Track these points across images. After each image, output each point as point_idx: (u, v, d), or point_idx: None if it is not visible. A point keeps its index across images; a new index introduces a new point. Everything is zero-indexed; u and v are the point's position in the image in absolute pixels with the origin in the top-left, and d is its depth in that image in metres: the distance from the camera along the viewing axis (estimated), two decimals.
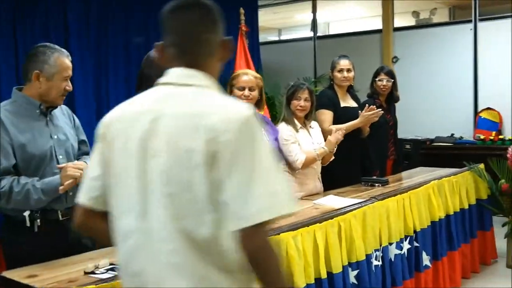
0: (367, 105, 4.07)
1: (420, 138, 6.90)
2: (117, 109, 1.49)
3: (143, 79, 2.53)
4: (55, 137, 2.47)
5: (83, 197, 1.49)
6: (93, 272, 2.13)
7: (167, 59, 1.48)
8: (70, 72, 2.43)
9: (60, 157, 2.47)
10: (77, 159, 2.54)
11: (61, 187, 2.31)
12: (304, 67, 7.80)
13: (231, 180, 1.29)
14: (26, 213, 2.35)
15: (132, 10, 5.26)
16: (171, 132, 1.35)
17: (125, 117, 1.45)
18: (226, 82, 5.58)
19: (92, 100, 4.86)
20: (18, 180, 2.31)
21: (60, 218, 2.45)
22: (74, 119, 2.67)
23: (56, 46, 2.43)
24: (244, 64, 5.03)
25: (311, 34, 8.27)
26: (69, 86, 2.43)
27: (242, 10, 5.06)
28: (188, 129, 1.33)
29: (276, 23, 10.08)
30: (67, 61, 2.42)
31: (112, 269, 2.15)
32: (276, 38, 10.56)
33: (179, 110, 1.37)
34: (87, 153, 2.68)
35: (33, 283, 2.01)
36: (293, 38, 9.40)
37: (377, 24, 8.08)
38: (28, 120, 2.41)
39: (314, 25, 8.43)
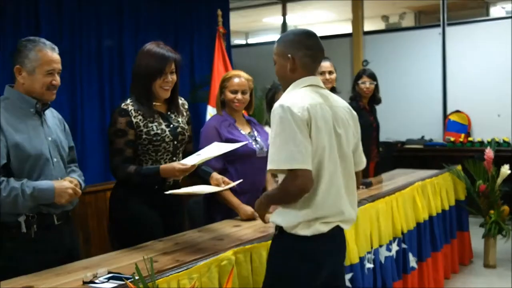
0: None
1: (391, 140, 6.98)
2: None
3: (142, 70, 2.60)
4: (49, 138, 2.37)
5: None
6: (92, 282, 2.01)
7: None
8: (54, 66, 2.30)
9: (55, 159, 2.35)
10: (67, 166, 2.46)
11: (57, 200, 2.23)
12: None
13: None
14: (22, 218, 2.23)
15: (105, 13, 5.10)
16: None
17: None
18: (198, 84, 5.63)
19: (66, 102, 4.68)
20: (7, 183, 2.17)
21: (56, 223, 2.34)
22: (64, 124, 2.57)
23: (41, 39, 2.31)
24: (222, 65, 4.98)
25: None
26: (56, 81, 2.31)
27: (219, 12, 5.00)
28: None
29: (244, 27, 10.04)
30: (50, 54, 2.29)
31: (112, 278, 2.04)
32: (243, 42, 10.52)
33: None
34: (75, 160, 2.59)
35: None
36: (262, 42, 9.37)
37: (346, 28, 8.15)
38: (23, 118, 2.29)
39: (284, 29, 8.44)
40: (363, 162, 2.31)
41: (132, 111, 2.61)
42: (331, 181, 2.06)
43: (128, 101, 2.64)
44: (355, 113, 2.28)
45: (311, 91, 2.11)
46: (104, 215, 4.04)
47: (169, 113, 2.76)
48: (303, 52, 2.12)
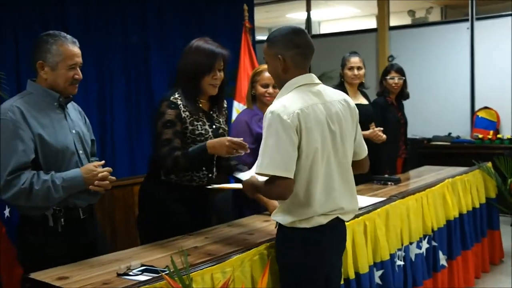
0: (378, 128, 4.01)
1: (417, 137, 6.89)
2: None
3: (190, 67, 2.57)
4: (73, 131, 2.37)
5: None
6: (126, 274, 2.01)
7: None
8: (76, 60, 2.29)
9: (80, 152, 2.36)
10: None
11: (88, 184, 2.22)
12: None
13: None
14: (49, 212, 2.24)
15: (129, 8, 5.11)
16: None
17: None
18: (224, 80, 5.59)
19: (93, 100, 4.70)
20: (38, 176, 2.18)
21: (82, 217, 2.35)
22: (85, 117, 2.57)
23: (61, 33, 2.30)
24: (248, 60, 4.94)
25: None
26: (78, 75, 2.30)
27: (245, 7, 4.95)
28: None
29: (267, 22, 10.00)
30: (71, 48, 2.28)
31: (145, 270, 2.04)
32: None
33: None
34: (95, 154, 2.59)
35: (66, 286, 1.89)
36: None
37: (371, 24, 8.06)
38: (48, 112, 2.28)
39: (308, 24, 8.39)
40: (365, 150, 2.39)
41: (181, 106, 2.58)
42: (327, 181, 2.12)
43: (177, 95, 2.60)
44: (352, 103, 2.31)
45: (304, 92, 2.13)
46: (131, 209, 4.06)
47: (211, 112, 2.73)
48: (293, 51, 2.13)
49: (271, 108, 2.06)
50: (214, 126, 2.69)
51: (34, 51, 2.28)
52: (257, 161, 2.09)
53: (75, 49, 2.29)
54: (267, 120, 2.05)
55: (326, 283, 2.25)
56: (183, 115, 2.57)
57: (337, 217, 2.18)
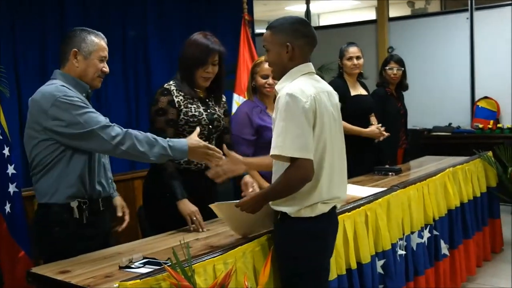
0: (379, 125, 4.03)
1: (417, 128, 6.88)
2: None
3: (186, 59, 2.69)
4: None
5: None
6: (128, 267, 2.02)
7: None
8: (106, 54, 2.38)
9: None
10: None
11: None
12: None
13: None
14: (74, 204, 2.27)
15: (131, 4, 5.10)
16: None
17: None
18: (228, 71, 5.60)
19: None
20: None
21: (101, 209, 2.39)
22: None
23: (94, 30, 2.40)
24: (247, 53, 4.92)
25: None
26: (106, 68, 2.38)
27: None
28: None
29: (266, 15, 9.96)
30: (103, 42, 2.38)
31: (147, 263, 2.04)
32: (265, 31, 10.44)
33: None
34: None
35: (68, 279, 1.89)
36: None
37: (371, 15, 8.04)
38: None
39: (308, 16, 8.37)
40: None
41: (174, 91, 2.69)
42: (331, 169, 2.15)
43: (171, 81, 2.72)
44: (337, 95, 2.31)
45: (310, 79, 2.16)
46: (132, 203, 4.04)
47: (207, 100, 2.80)
48: (302, 41, 2.16)
49: (287, 90, 2.05)
50: (208, 110, 2.77)
51: (67, 41, 2.34)
52: (274, 144, 2.04)
53: (105, 44, 2.40)
54: (284, 103, 2.03)
55: (323, 275, 2.27)
56: (176, 99, 2.67)
57: (334, 206, 2.23)
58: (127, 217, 2.52)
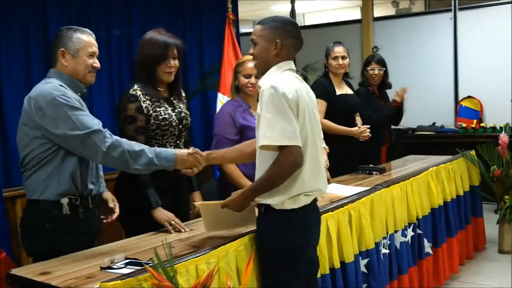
0: (364, 126, 4.04)
1: (402, 127, 6.90)
2: None
3: (145, 58, 2.67)
4: None
5: None
6: (109, 267, 2.00)
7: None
8: (95, 49, 2.40)
9: None
10: None
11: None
12: None
13: None
14: (65, 201, 2.27)
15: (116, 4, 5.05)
16: None
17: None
18: (208, 72, 5.59)
19: None
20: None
21: (90, 206, 2.39)
22: None
23: (80, 27, 2.41)
24: (232, 52, 4.91)
25: None
26: (96, 63, 2.39)
27: None
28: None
29: (251, 15, 9.95)
30: (90, 38, 2.39)
31: (129, 263, 2.03)
32: (251, 30, 10.43)
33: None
34: None
35: (48, 281, 1.87)
36: None
37: (356, 15, 8.06)
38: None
39: (293, 16, 8.38)
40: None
41: (141, 96, 2.65)
42: (312, 159, 2.21)
43: (136, 86, 2.67)
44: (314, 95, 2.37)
45: (292, 75, 2.24)
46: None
47: (171, 98, 2.80)
48: (291, 41, 2.24)
49: (270, 83, 2.11)
50: (176, 110, 2.76)
51: (55, 42, 2.36)
52: (262, 134, 2.09)
53: (93, 40, 2.41)
54: (269, 95, 2.09)
55: (308, 268, 2.30)
56: (144, 105, 2.64)
57: (315, 198, 2.29)
58: (117, 209, 2.49)
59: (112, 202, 2.51)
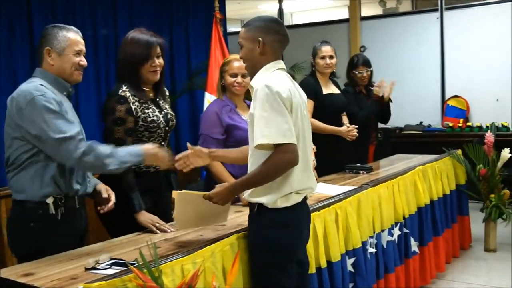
0: (351, 126, 4.04)
1: (389, 126, 6.91)
2: None
3: (128, 58, 2.64)
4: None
5: None
6: (94, 268, 1.98)
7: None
8: (81, 47, 2.37)
9: None
10: None
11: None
12: None
13: None
14: (50, 200, 2.25)
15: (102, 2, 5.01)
16: None
17: None
18: (195, 71, 5.56)
19: None
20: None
21: (77, 206, 2.37)
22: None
23: (66, 25, 2.39)
24: (219, 52, 4.90)
25: None
26: (83, 61, 2.36)
27: None
28: None
29: (239, 14, 9.94)
30: (76, 36, 2.37)
31: (114, 264, 2.01)
32: (239, 29, 10.42)
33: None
34: None
35: (31, 282, 1.85)
36: None
37: (343, 14, 8.08)
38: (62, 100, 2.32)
39: (280, 15, 8.37)
40: None
41: (130, 97, 2.62)
42: (303, 160, 2.22)
43: (124, 87, 2.63)
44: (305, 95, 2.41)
45: (284, 75, 2.25)
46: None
47: (157, 99, 2.78)
48: (273, 37, 2.25)
49: (264, 82, 2.12)
50: (163, 112, 2.75)
51: (41, 41, 2.34)
52: (259, 133, 2.10)
53: (79, 37, 2.38)
54: (263, 94, 2.10)
55: (299, 267, 2.32)
56: (133, 107, 2.61)
57: (306, 196, 2.31)
58: (113, 197, 2.46)
59: (106, 192, 2.49)
